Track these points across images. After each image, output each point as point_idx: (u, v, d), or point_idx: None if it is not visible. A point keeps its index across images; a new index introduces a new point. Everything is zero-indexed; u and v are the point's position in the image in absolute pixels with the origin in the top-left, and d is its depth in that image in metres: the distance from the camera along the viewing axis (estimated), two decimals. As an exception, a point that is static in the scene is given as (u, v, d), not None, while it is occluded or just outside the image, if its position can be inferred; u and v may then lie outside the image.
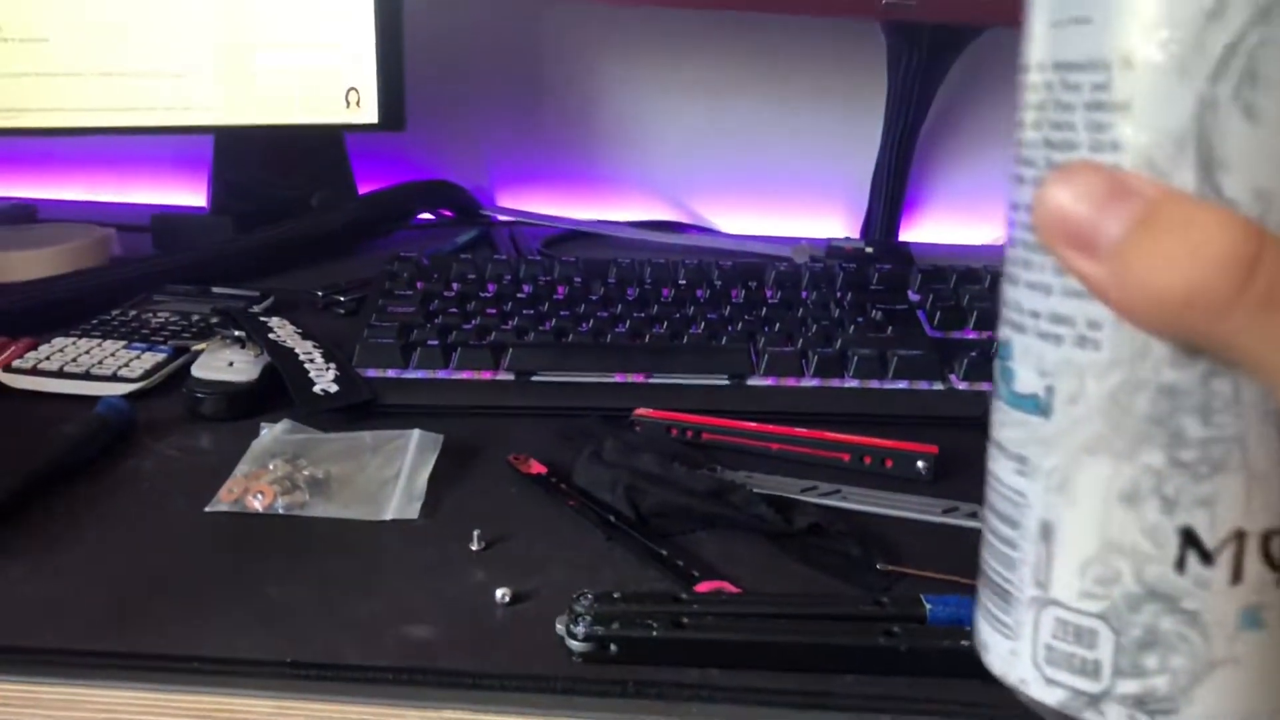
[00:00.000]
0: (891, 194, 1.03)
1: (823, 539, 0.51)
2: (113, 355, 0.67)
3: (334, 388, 0.62)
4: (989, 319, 0.72)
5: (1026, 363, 0.24)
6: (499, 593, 0.46)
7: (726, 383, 0.66)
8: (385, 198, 1.00)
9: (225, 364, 0.64)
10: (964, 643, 0.42)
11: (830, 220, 1.11)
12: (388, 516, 0.53)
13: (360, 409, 0.62)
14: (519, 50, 1.10)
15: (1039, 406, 0.24)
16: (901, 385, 0.65)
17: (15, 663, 0.43)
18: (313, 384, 0.62)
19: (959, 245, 1.07)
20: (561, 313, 0.71)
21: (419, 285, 0.77)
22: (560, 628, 0.43)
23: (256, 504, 0.52)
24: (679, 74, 1.09)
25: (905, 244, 1.02)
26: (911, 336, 0.69)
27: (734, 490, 0.53)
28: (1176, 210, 0.20)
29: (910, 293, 0.77)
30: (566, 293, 0.76)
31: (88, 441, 0.57)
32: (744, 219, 1.11)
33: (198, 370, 0.64)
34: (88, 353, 0.67)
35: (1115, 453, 0.22)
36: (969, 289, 0.76)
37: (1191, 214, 0.20)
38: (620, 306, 0.73)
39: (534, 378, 0.66)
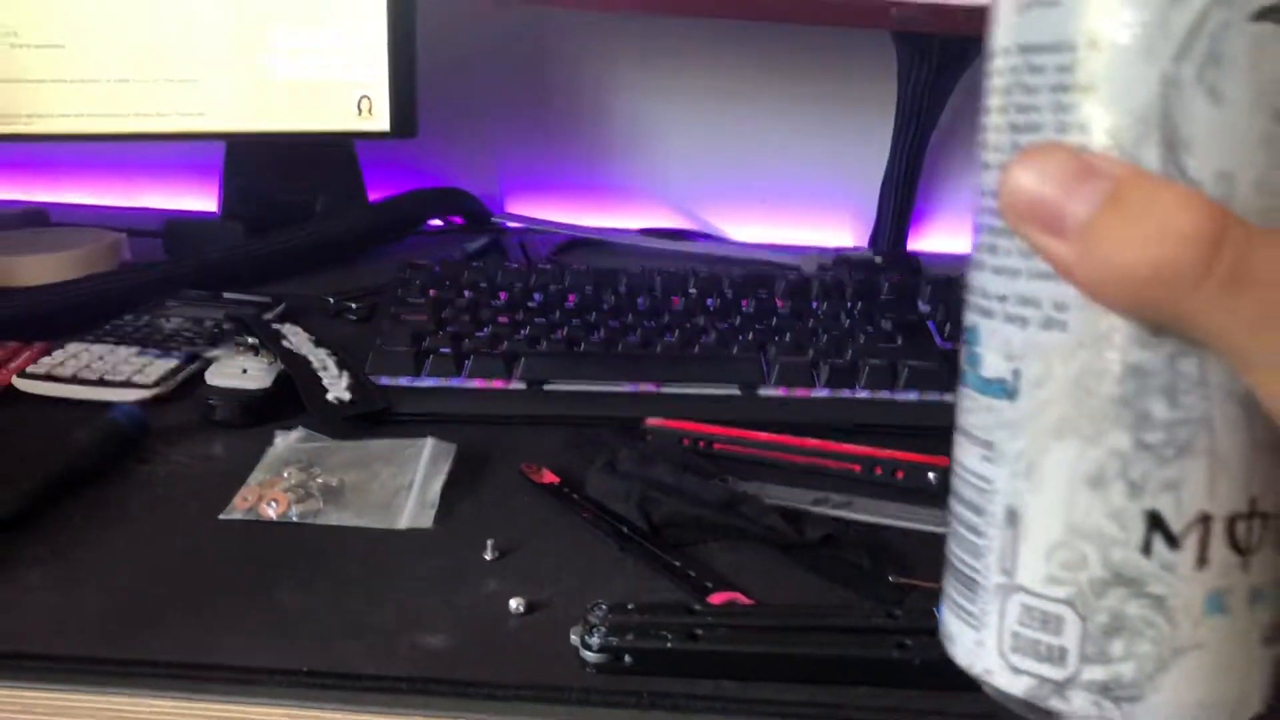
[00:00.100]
0: (900, 204, 1.04)
1: (834, 550, 0.51)
2: (126, 361, 0.67)
3: (347, 396, 0.62)
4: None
5: (993, 347, 0.24)
6: (513, 602, 0.46)
7: (737, 393, 0.66)
8: (396, 205, 1.01)
9: (239, 371, 0.64)
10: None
11: (838, 229, 1.11)
12: (402, 525, 0.53)
13: (373, 417, 0.63)
14: (529, 58, 1.10)
15: (1006, 390, 0.23)
16: (912, 396, 0.65)
17: (31, 669, 0.43)
18: (326, 392, 0.62)
19: (967, 255, 1.07)
20: (573, 321, 0.72)
21: (431, 293, 0.77)
22: (575, 638, 0.43)
23: (271, 512, 0.53)
24: (688, 83, 1.09)
25: (914, 254, 1.02)
26: (922, 347, 0.69)
27: (746, 501, 0.53)
28: (1142, 190, 0.20)
29: (920, 303, 0.77)
30: (578, 301, 0.76)
31: (102, 448, 0.58)
32: (752, 228, 1.11)
33: (211, 377, 0.64)
34: (101, 358, 0.67)
35: (1081, 436, 0.22)
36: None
37: (1156, 194, 0.20)
38: (631, 315, 0.73)
39: (545, 386, 0.66)
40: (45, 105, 0.82)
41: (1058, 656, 0.23)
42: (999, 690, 0.25)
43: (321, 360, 0.66)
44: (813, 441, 0.60)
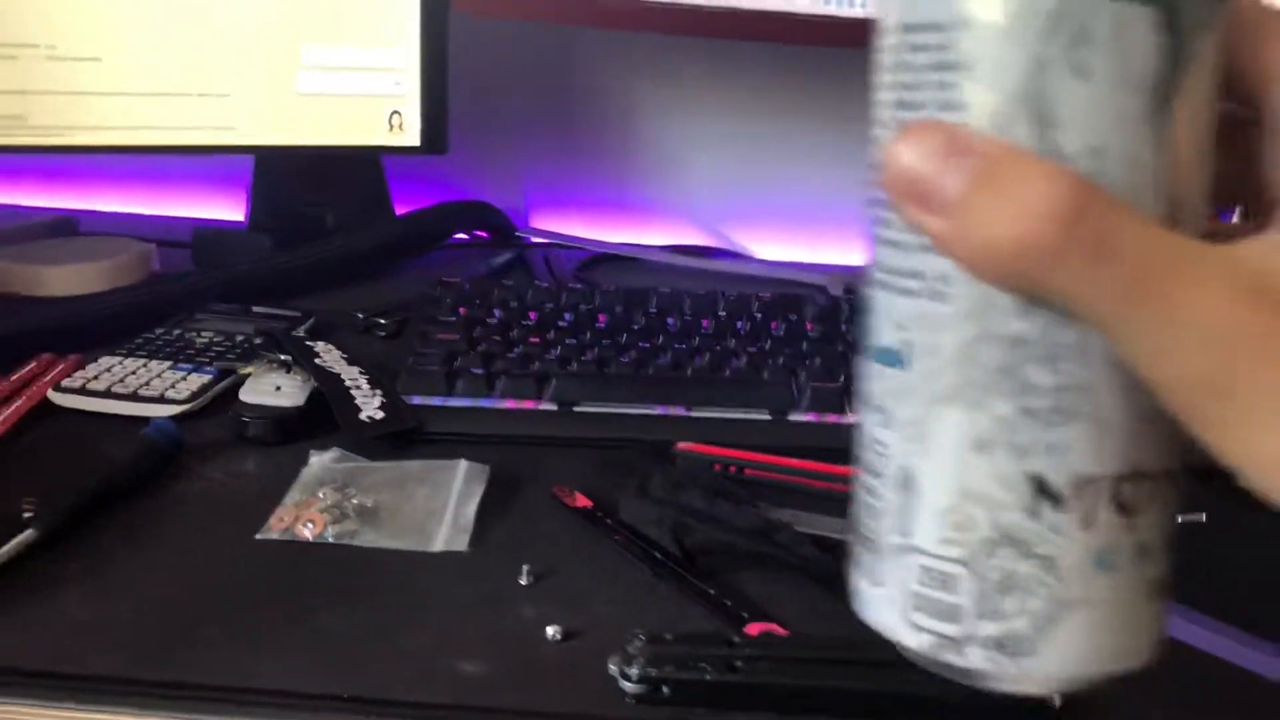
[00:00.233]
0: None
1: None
2: (159, 376, 0.68)
3: (380, 414, 0.63)
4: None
5: (886, 317, 0.25)
6: (550, 630, 0.47)
7: (768, 418, 0.66)
8: (422, 218, 1.01)
9: (272, 388, 0.65)
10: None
11: (863, 247, 1.11)
12: (437, 548, 0.53)
13: (405, 436, 0.63)
14: (557, 75, 1.10)
15: (897, 359, 0.24)
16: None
17: (65, 689, 0.43)
18: (359, 410, 0.63)
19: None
20: (603, 342, 0.72)
21: (461, 311, 0.77)
22: (613, 668, 0.43)
23: (307, 533, 0.53)
24: (713, 100, 1.10)
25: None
26: (952, 374, 0.69)
27: (780, 530, 0.53)
28: (1010, 166, 0.21)
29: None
30: (608, 322, 0.76)
31: (138, 464, 0.58)
32: (777, 245, 1.11)
33: (245, 394, 0.64)
34: (134, 373, 0.68)
35: (967, 402, 0.23)
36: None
37: (1022, 169, 0.21)
38: (662, 337, 0.73)
39: (575, 408, 0.66)
40: (81, 117, 0.83)
41: (953, 614, 0.24)
42: (903, 646, 0.26)
43: (354, 378, 0.66)
44: (845, 469, 0.60)
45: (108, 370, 0.68)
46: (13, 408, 0.64)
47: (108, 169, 1.13)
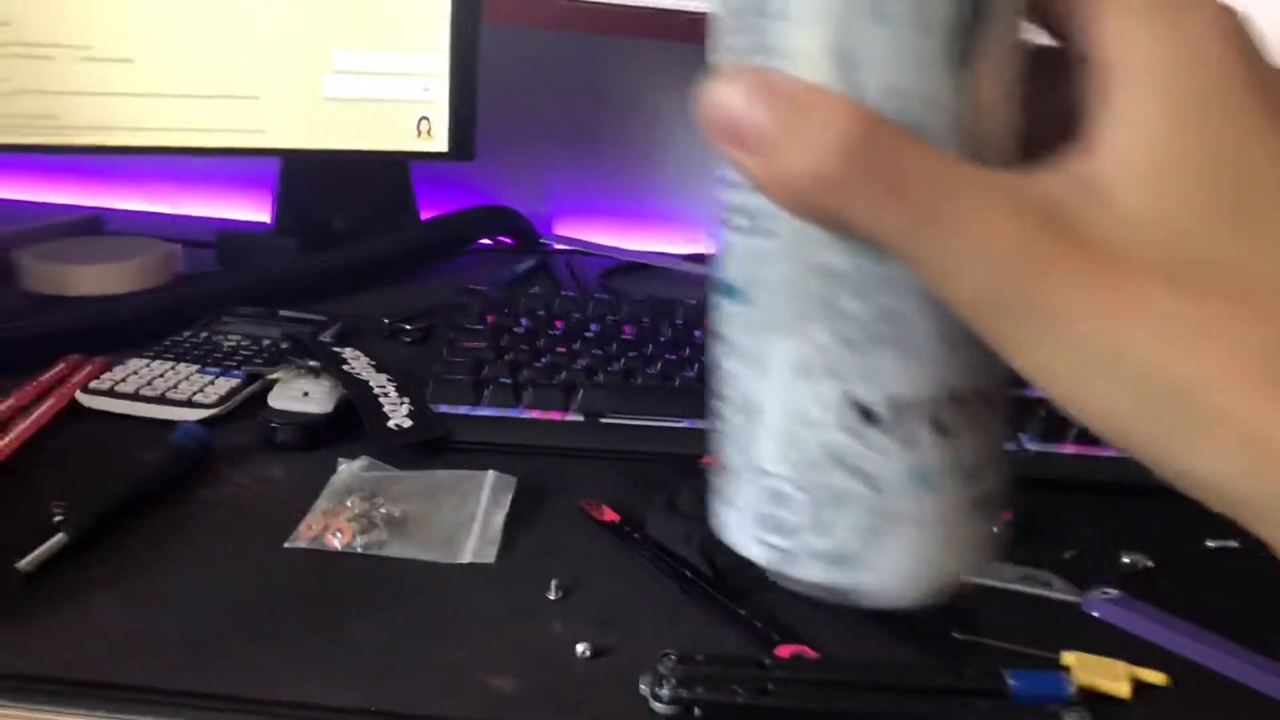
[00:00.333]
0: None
1: (899, 603, 0.51)
2: (187, 379, 0.68)
3: (408, 423, 0.63)
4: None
5: (725, 253, 0.26)
6: (579, 647, 0.46)
7: (795, 433, 0.66)
8: (447, 223, 1.01)
9: (300, 394, 0.65)
10: (1051, 724, 0.42)
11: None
12: (465, 560, 0.53)
13: (432, 445, 0.63)
14: (581, 82, 1.10)
15: (735, 292, 0.26)
16: (972, 444, 0.65)
17: (89, 697, 0.43)
18: (387, 419, 0.63)
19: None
20: (630, 354, 0.72)
21: (488, 319, 0.77)
22: (644, 688, 0.43)
23: (336, 542, 0.53)
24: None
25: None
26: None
27: (810, 549, 0.53)
28: (809, 105, 0.22)
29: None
30: (635, 333, 0.76)
31: (166, 469, 0.58)
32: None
33: (274, 400, 0.64)
34: (162, 376, 0.68)
35: (792, 332, 0.25)
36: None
37: (821, 107, 0.22)
38: (689, 349, 0.73)
39: (602, 419, 0.66)
40: (112, 118, 0.83)
41: (790, 529, 0.26)
42: (755, 563, 0.27)
43: (382, 385, 0.66)
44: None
45: (135, 373, 0.68)
46: (43, 408, 0.64)
47: (134, 168, 1.13)
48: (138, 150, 0.85)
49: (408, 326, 0.81)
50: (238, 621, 0.48)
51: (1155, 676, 0.47)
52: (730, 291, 0.26)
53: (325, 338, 0.76)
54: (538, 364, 0.70)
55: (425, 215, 1.03)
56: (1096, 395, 0.22)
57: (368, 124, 0.90)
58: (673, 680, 0.43)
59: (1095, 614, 0.52)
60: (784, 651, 0.47)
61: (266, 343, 0.74)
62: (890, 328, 0.24)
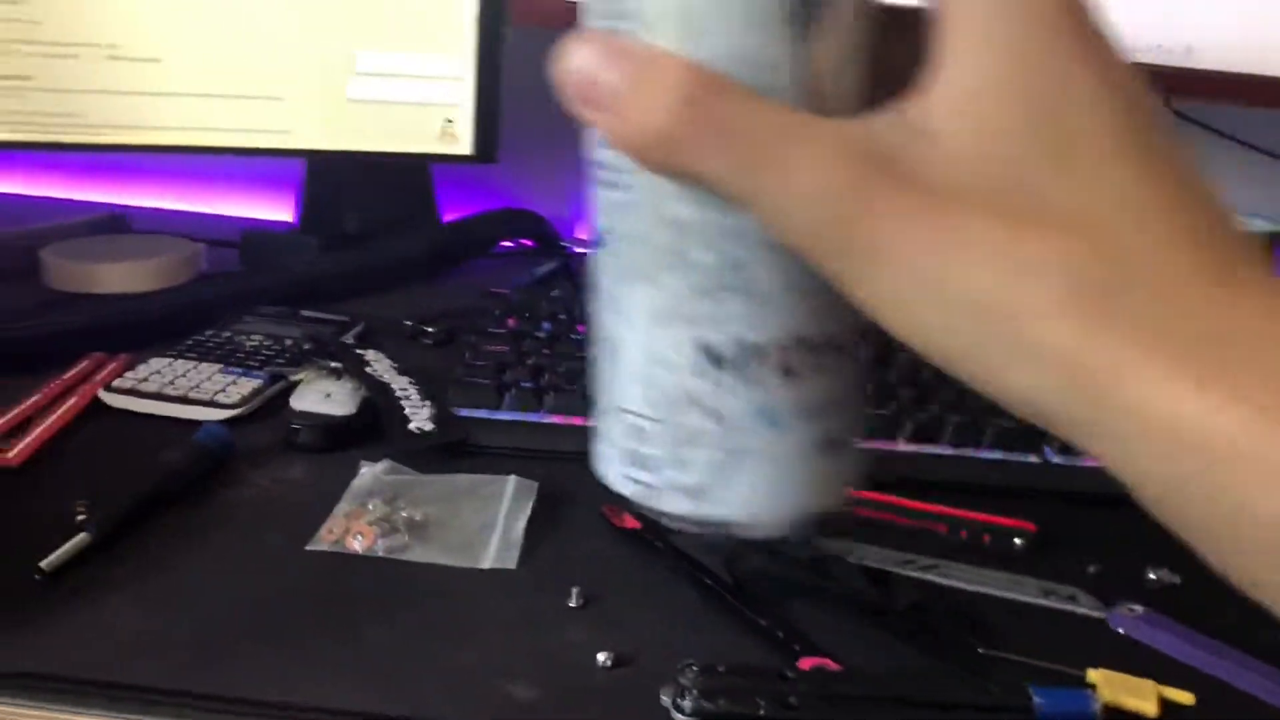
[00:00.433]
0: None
1: (922, 617, 0.50)
2: (209, 379, 0.68)
3: (429, 426, 0.62)
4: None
5: (596, 206, 0.27)
6: (600, 656, 0.46)
7: (818, 442, 0.65)
8: (469, 225, 1.01)
9: (323, 395, 0.64)
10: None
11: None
12: (486, 565, 0.53)
13: (453, 449, 0.63)
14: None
15: (603, 242, 0.27)
16: (997, 455, 0.65)
17: (106, 697, 0.43)
18: (409, 421, 0.62)
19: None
20: (652, 359, 0.71)
21: (510, 322, 0.77)
22: (666, 699, 0.43)
23: (357, 545, 0.53)
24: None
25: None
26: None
27: (833, 562, 0.53)
28: (653, 66, 0.24)
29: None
30: (656, 339, 0.75)
31: (189, 469, 0.58)
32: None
33: (296, 401, 0.64)
34: (184, 375, 0.68)
35: (647, 279, 0.26)
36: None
37: (662, 67, 0.23)
38: (710, 356, 0.73)
39: (624, 425, 0.66)
40: (138, 117, 0.83)
41: (652, 465, 0.27)
42: (623, 495, 0.29)
43: (404, 388, 0.66)
44: (898, 499, 0.59)
45: (158, 372, 0.68)
46: (65, 406, 0.64)
47: (158, 166, 1.14)
48: (162, 149, 0.85)
49: (429, 329, 0.81)
50: (250, 623, 0.48)
51: (1182, 696, 0.46)
52: (599, 240, 0.27)
53: (347, 339, 0.76)
54: (560, 368, 0.70)
55: (447, 217, 1.03)
56: (923, 322, 0.23)
57: (392, 126, 0.90)
58: (695, 691, 0.42)
59: (1121, 630, 0.51)
60: (806, 664, 0.47)
61: (289, 343, 0.74)
62: (738, 276, 0.25)
